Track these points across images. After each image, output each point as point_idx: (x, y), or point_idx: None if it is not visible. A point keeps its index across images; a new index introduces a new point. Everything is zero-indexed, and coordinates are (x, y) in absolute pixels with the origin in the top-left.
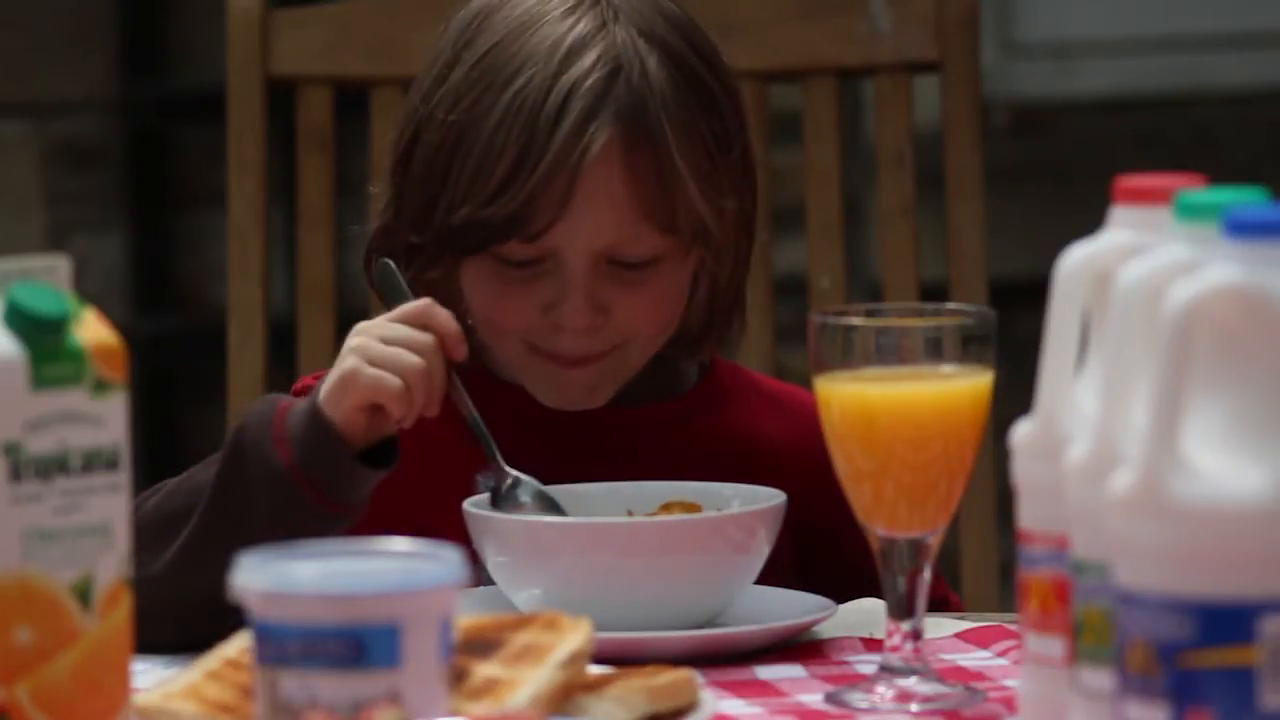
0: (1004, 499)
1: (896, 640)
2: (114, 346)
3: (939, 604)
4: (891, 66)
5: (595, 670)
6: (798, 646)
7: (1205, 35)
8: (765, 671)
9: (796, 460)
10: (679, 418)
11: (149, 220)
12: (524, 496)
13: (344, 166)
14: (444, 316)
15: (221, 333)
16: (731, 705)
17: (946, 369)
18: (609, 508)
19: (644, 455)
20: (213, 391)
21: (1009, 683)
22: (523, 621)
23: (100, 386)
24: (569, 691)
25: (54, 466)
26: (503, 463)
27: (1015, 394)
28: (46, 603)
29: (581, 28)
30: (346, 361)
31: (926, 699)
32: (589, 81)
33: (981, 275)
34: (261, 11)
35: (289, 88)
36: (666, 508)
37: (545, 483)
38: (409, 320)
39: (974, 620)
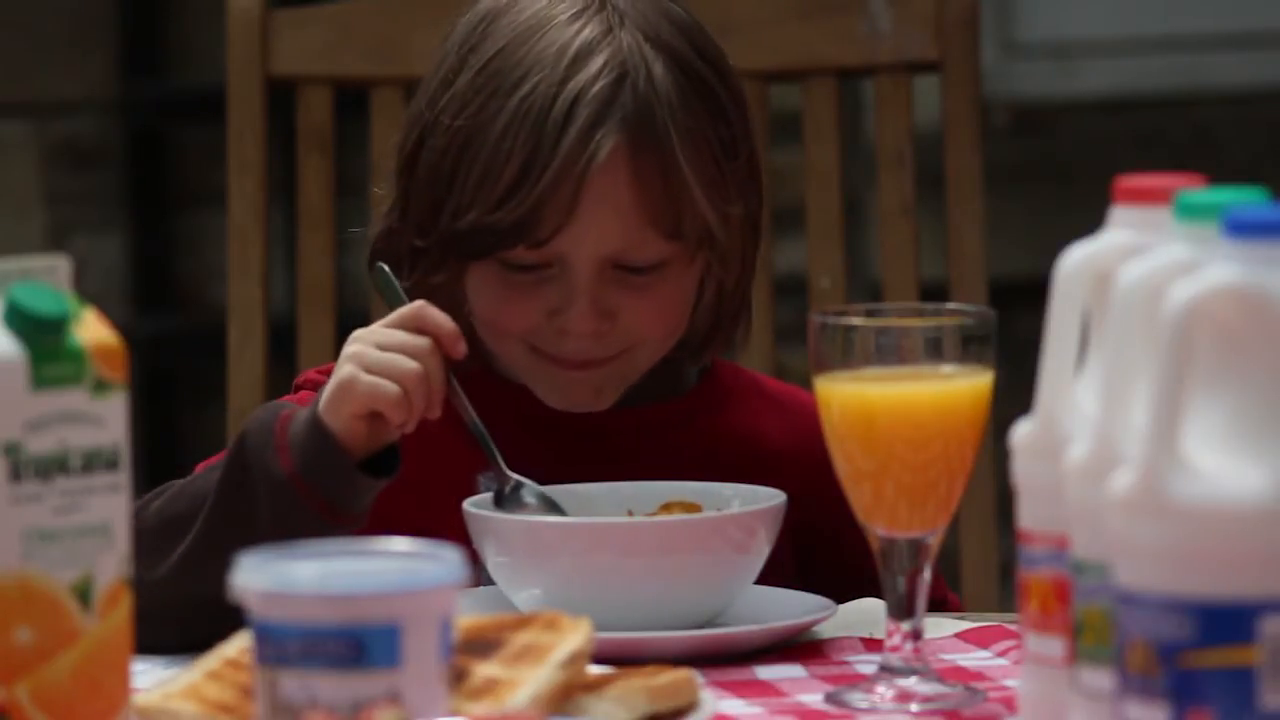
0: (1004, 499)
1: (896, 640)
2: (114, 346)
3: (938, 604)
4: (891, 66)
5: (595, 670)
6: (798, 646)
7: (1205, 35)
8: (765, 671)
9: (797, 461)
10: (680, 418)
11: (149, 220)
12: (527, 499)
13: (344, 167)
14: (439, 317)
15: (221, 333)
16: (731, 705)
17: (946, 369)
18: (609, 508)
19: (645, 455)
20: (213, 391)
21: (1009, 683)
22: (523, 621)
23: (100, 386)
24: (569, 691)
25: (54, 466)
26: (504, 466)
27: (1015, 394)
28: (46, 603)
29: (588, 33)
30: (343, 370)
31: (926, 699)
32: (595, 88)
33: (981, 275)
34: (261, 11)
35: (289, 88)
36: (666, 508)
37: (546, 482)
38: (404, 324)
39: (974, 620)
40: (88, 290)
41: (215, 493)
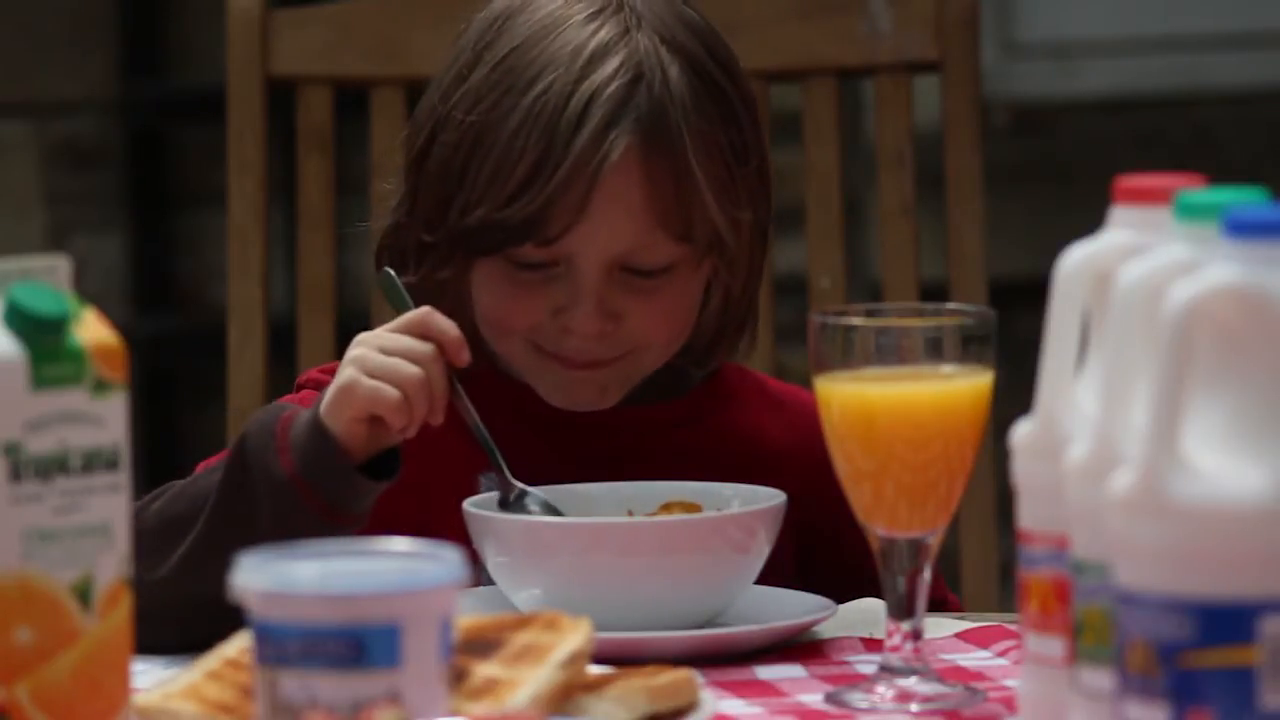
0: (1004, 499)
1: (896, 640)
2: (114, 346)
3: (938, 605)
4: (891, 66)
5: (595, 670)
6: (798, 646)
7: (1205, 35)
8: (765, 671)
9: (798, 460)
10: (683, 418)
11: (149, 220)
12: (531, 507)
13: (344, 166)
14: (444, 323)
15: (221, 333)
16: (731, 705)
17: (946, 369)
18: (609, 508)
19: (647, 455)
20: (213, 391)
21: (1009, 683)
22: (523, 621)
23: (100, 386)
24: (569, 691)
25: (54, 466)
26: (509, 474)
27: (1015, 394)
28: (46, 603)
29: (604, 34)
30: (345, 373)
31: (926, 699)
32: (611, 88)
33: (981, 275)
34: (261, 11)
35: (289, 88)
36: (666, 508)
37: (548, 481)
38: (408, 329)
39: (974, 620)
40: (88, 290)
41: (216, 493)
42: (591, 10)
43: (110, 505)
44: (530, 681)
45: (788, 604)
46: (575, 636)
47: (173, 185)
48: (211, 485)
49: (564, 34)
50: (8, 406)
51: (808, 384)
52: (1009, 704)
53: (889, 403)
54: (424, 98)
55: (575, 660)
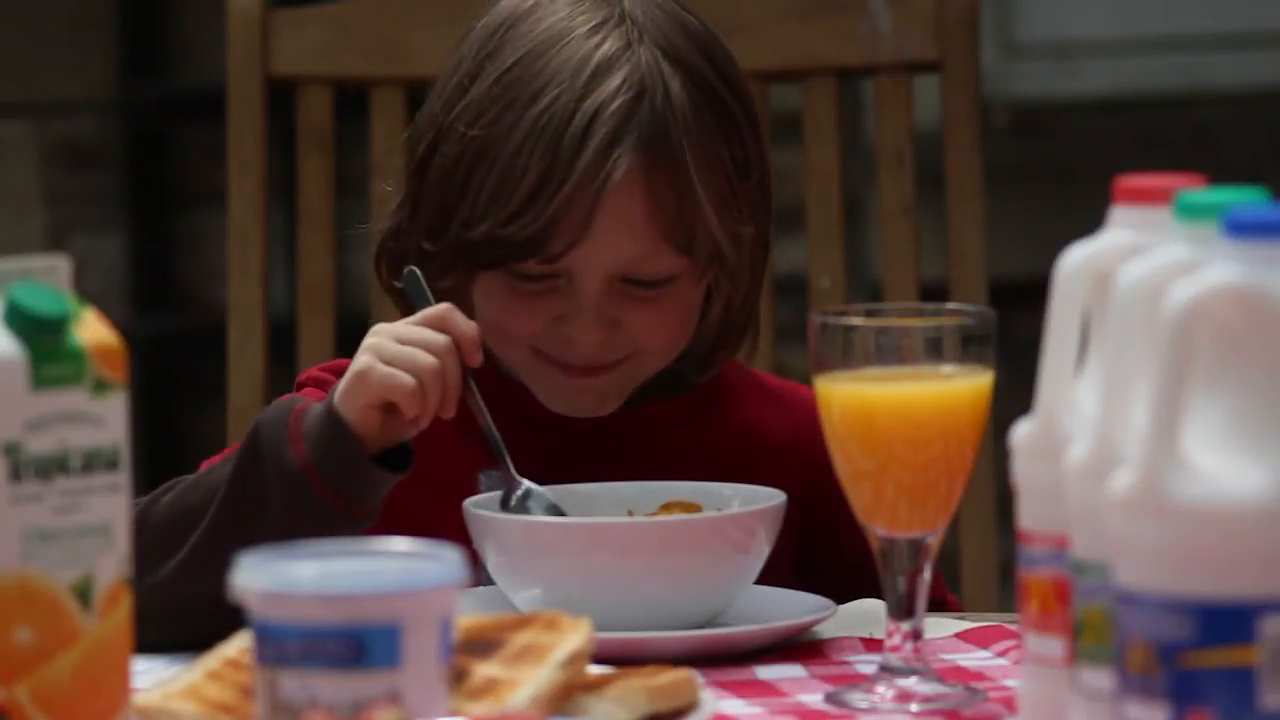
0: (1004, 499)
1: (896, 640)
2: (114, 346)
3: (937, 604)
4: (891, 66)
5: (595, 670)
6: (798, 646)
7: (1205, 35)
8: (765, 671)
9: (798, 456)
10: (682, 415)
11: (149, 220)
12: (535, 509)
13: (344, 166)
14: (463, 321)
15: (221, 333)
16: (731, 705)
17: (946, 369)
18: (609, 508)
19: (647, 453)
20: (213, 391)
21: (1009, 683)
22: (523, 621)
23: (100, 386)
24: (569, 691)
25: (54, 466)
26: (515, 472)
27: (1015, 394)
28: (46, 603)
29: (607, 47)
30: (360, 360)
31: (926, 699)
32: (614, 105)
33: (981, 275)
34: (261, 11)
35: (289, 88)
36: (666, 508)
37: (547, 479)
38: (427, 323)
39: (974, 620)
40: (88, 290)
41: (227, 484)
42: (594, 22)
43: (110, 505)
44: (530, 681)
45: (788, 604)
46: (575, 636)
47: (173, 185)
48: (223, 477)
49: (567, 47)
50: (8, 406)
51: (808, 384)
52: (1009, 704)
53: (889, 403)
54: (426, 103)
55: (575, 660)
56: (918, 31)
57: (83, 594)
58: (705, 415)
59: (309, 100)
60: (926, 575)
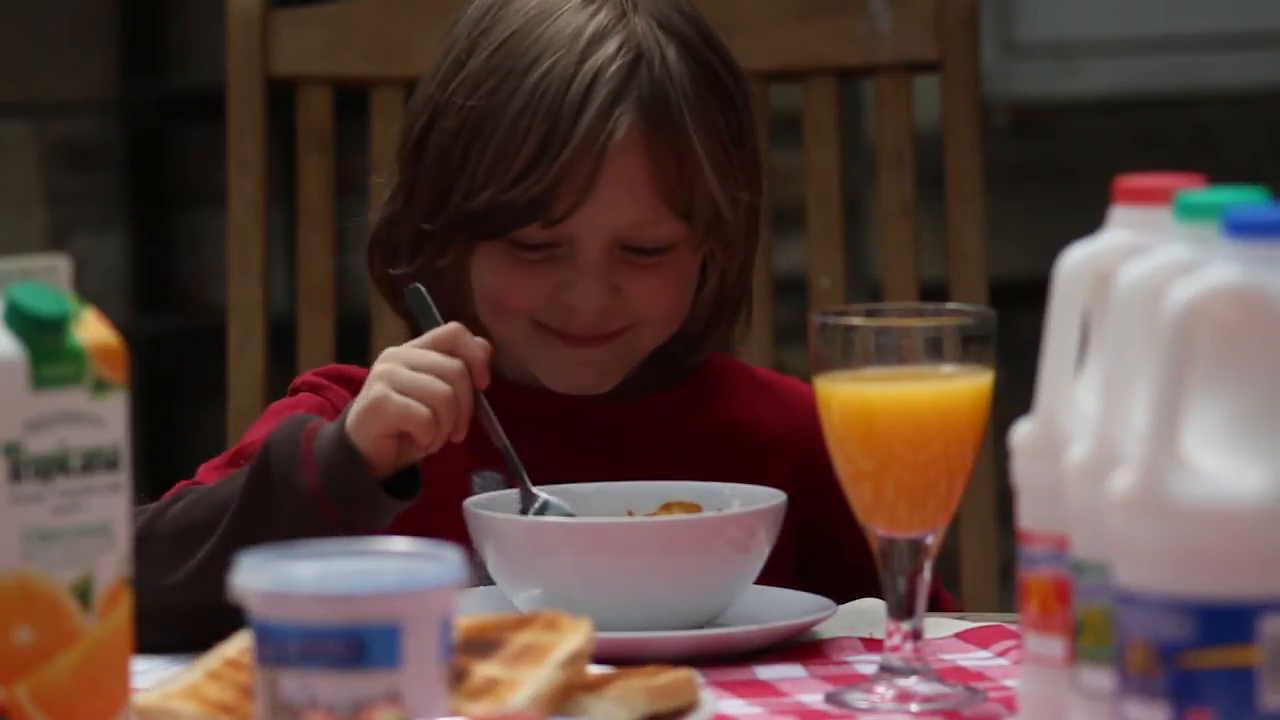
0: (1004, 499)
1: (896, 640)
2: (114, 346)
3: (931, 600)
4: (891, 66)
5: (595, 670)
6: (798, 646)
7: (1205, 35)
8: (765, 671)
9: (790, 448)
10: (675, 409)
11: (149, 220)
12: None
13: (344, 166)
14: (472, 343)
15: (221, 333)
16: (731, 705)
17: (946, 369)
18: (609, 508)
19: (642, 447)
20: (213, 391)
21: (1009, 683)
22: (523, 621)
23: (100, 386)
24: (569, 691)
25: (54, 466)
26: (531, 485)
27: (1015, 394)
28: (46, 603)
29: (601, 17)
30: (374, 389)
31: (926, 699)
32: (613, 67)
33: (981, 275)
34: (261, 11)
35: (289, 88)
36: (666, 508)
37: (542, 474)
38: (438, 346)
39: (974, 620)
40: (88, 290)
41: (238, 501)
42: None
43: (110, 505)
44: (530, 681)
45: (788, 604)
46: (575, 636)
47: (173, 185)
48: (232, 494)
49: (561, 18)
50: (8, 406)
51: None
52: (1009, 704)
53: (889, 403)
54: (418, 89)
55: (575, 660)
56: (918, 31)
57: (83, 594)
58: (699, 408)
59: (309, 100)
60: (926, 575)
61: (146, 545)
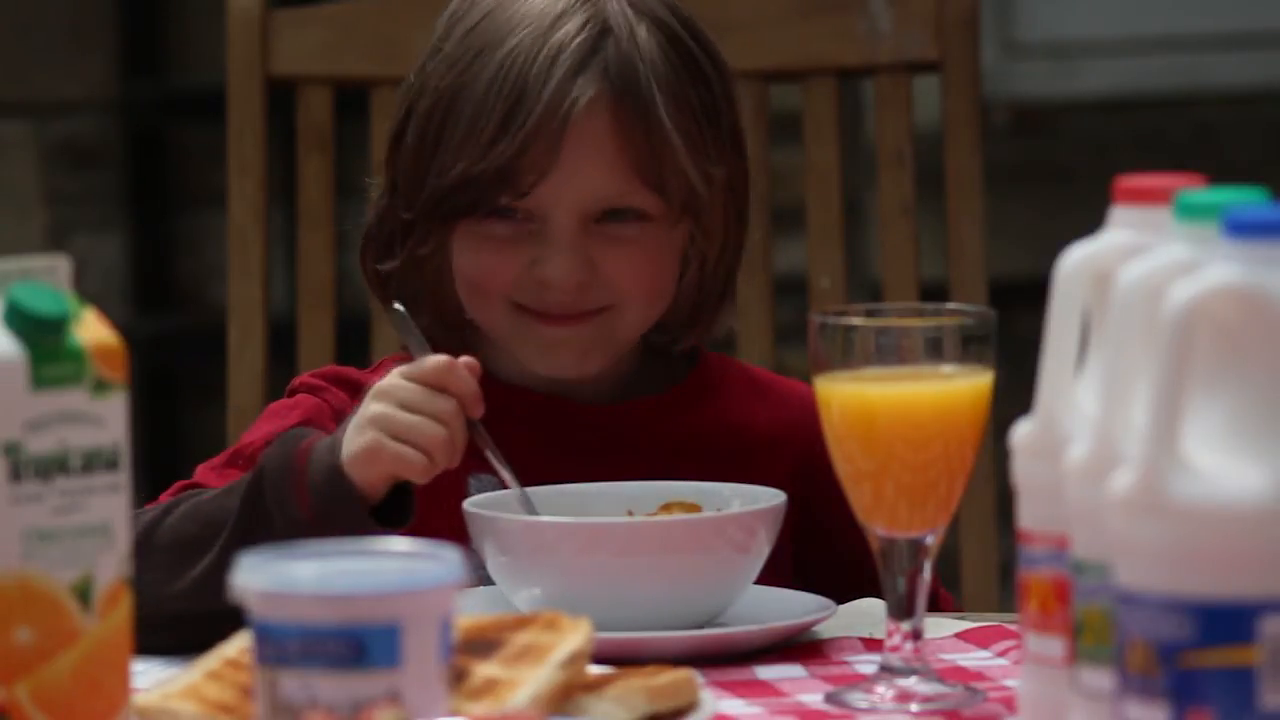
0: (1004, 499)
1: (896, 640)
2: (114, 346)
3: (930, 598)
4: (891, 66)
5: (595, 670)
6: (798, 646)
7: (1205, 35)
8: (765, 671)
9: (786, 448)
10: (671, 409)
11: (149, 220)
12: None
13: (344, 166)
14: (463, 377)
15: (221, 333)
16: (731, 705)
17: (946, 369)
18: (609, 508)
19: (640, 448)
20: (213, 391)
21: (1009, 683)
22: (523, 621)
23: (100, 386)
24: (569, 691)
25: (54, 466)
26: (530, 501)
27: (1015, 394)
28: (46, 603)
29: None
30: (368, 435)
31: (926, 699)
32: (579, 39)
33: (981, 275)
34: (261, 11)
35: (289, 88)
36: (666, 508)
37: (537, 476)
38: (429, 382)
39: (974, 620)
40: (88, 290)
41: (233, 521)
42: None
43: (110, 505)
44: (530, 681)
45: (788, 604)
46: (575, 636)
47: (173, 185)
48: (226, 511)
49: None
50: (8, 406)
51: (807, 383)
52: (1009, 704)
53: (889, 403)
54: (402, 84)
55: (575, 660)
56: (918, 31)
57: (83, 594)
58: (693, 407)
59: (309, 100)
60: (926, 575)
61: (143, 554)
